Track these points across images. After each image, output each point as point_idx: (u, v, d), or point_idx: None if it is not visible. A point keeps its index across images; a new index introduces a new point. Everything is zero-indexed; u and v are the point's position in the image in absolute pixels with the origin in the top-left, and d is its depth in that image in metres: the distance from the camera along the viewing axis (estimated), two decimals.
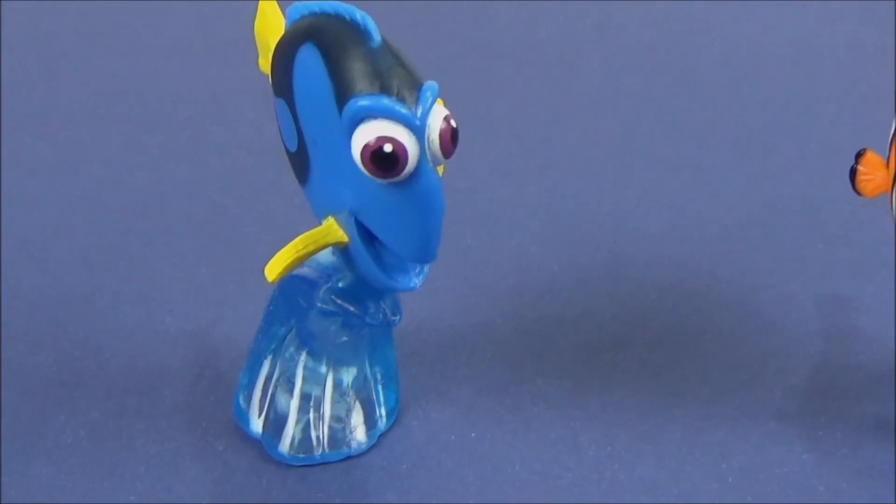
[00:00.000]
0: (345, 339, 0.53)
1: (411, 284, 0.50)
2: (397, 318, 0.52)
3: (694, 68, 0.82)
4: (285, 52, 0.50)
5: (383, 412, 0.55)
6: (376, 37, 0.47)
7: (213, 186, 0.70)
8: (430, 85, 0.48)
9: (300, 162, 0.51)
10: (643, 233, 0.66)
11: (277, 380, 0.54)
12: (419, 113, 0.47)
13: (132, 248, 0.65)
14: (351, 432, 0.54)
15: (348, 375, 0.54)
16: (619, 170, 0.72)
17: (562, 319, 0.60)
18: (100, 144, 0.74)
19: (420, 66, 0.78)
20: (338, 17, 0.48)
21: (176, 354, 0.59)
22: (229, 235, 0.67)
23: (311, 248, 0.50)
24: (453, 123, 0.48)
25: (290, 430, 0.53)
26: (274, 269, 0.49)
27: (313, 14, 0.49)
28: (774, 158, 0.73)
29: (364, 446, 0.54)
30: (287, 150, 0.52)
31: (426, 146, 0.47)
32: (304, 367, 0.53)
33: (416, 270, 0.51)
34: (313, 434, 0.53)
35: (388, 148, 0.46)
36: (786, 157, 0.73)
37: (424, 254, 0.49)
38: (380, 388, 0.54)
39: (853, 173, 0.52)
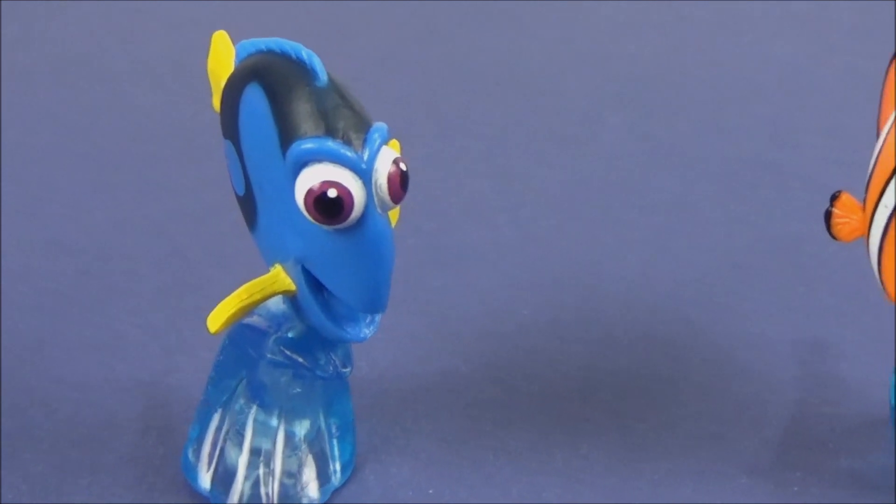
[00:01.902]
0: (298, 390, 0.51)
1: (361, 335, 0.48)
2: (348, 369, 0.50)
3: (679, 103, 0.80)
4: (232, 92, 0.48)
5: (338, 466, 0.52)
6: (322, 76, 0.45)
7: (175, 228, 0.68)
8: (379, 126, 0.45)
9: (248, 206, 0.49)
10: (618, 275, 0.64)
11: (227, 433, 0.51)
12: (366, 156, 0.45)
13: (88, 291, 0.63)
14: (303, 488, 0.51)
15: (301, 428, 0.51)
16: (598, 208, 0.70)
17: (528, 367, 0.58)
18: (58, 183, 0.72)
19: (394, 100, 0.76)
20: (284, 56, 0.46)
21: (126, 404, 0.56)
22: (190, 279, 0.64)
23: (257, 297, 0.48)
24: (403, 167, 0.46)
25: (239, 485, 0.51)
26: (217, 320, 0.47)
27: (260, 52, 0.47)
28: (758, 197, 0.71)
29: (317, 502, 0.51)
30: (236, 194, 0.50)
31: (374, 191, 0.45)
32: (255, 420, 0.51)
33: (367, 320, 0.48)
34: (263, 490, 0.51)
35: (332, 193, 0.44)
36: (770, 195, 0.71)
37: (374, 303, 0.47)
38: (335, 441, 0.52)
39: (828, 216, 0.50)
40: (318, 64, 0.45)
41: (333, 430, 0.52)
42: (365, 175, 0.45)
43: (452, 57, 0.85)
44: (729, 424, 0.55)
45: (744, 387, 0.57)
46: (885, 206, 0.48)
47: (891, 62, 0.53)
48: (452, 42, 0.87)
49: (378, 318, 0.49)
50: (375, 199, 0.45)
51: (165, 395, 0.57)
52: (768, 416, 0.55)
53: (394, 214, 0.51)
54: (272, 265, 0.49)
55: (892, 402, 0.51)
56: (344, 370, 0.50)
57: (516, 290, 0.63)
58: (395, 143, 0.50)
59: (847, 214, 0.49)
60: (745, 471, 0.52)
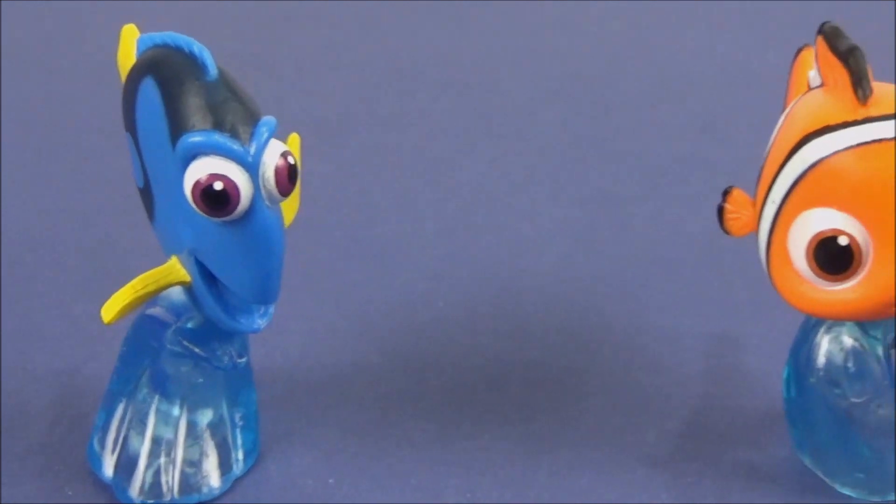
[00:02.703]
0: (200, 380, 0.52)
1: (255, 326, 0.49)
2: (244, 360, 0.51)
3: (613, 99, 0.80)
4: (129, 86, 0.49)
5: (240, 455, 0.53)
6: (212, 70, 0.46)
7: (101, 219, 0.68)
8: (267, 120, 0.46)
9: (146, 199, 0.50)
10: (536, 269, 0.65)
11: (130, 422, 0.52)
12: (253, 149, 0.45)
13: (11, 281, 0.64)
14: (204, 477, 0.52)
15: (204, 418, 0.52)
16: (523, 203, 0.70)
17: (440, 359, 0.59)
18: None
19: (328, 94, 0.77)
20: (177, 50, 0.47)
21: (40, 394, 0.57)
22: (115, 269, 0.65)
23: (151, 288, 0.48)
24: (291, 160, 0.46)
25: (141, 474, 0.52)
26: (110, 310, 0.48)
27: (156, 46, 0.48)
28: (684, 192, 0.71)
29: (217, 491, 0.52)
30: (137, 187, 0.51)
31: (261, 184, 0.46)
32: (157, 409, 0.51)
33: (261, 311, 0.49)
34: (164, 479, 0.51)
35: (218, 186, 0.45)
36: (696, 190, 0.71)
37: (264, 294, 0.47)
38: (238, 430, 0.53)
39: (720, 212, 0.50)
40: (208, 58, 0.46)
41: (237, 420, 0.53)
42: (251, 168, 0.45)
43: (386, 52, 0.85)
44: (632, 417, 0.55)
45: (650, 379, 0.57)
46: (773, 202, 0.48)
47: (795, 57, 0.53)
48: (386, 37, 0.87)
49: (272, 308, 0.49)
50: (263, 191, 0.46)
51: (81, 384, 0.57)
52: (671, 408, 0.56)
53: (291, 207, 0.52)
54: (169, 256, 0.49)
55: (785, 394, 0.52)
56: (240, 361, 0.51)
57: (434, 282, 0.64)
58: (294, 137, 0.51)
59: (738, 210, 0.50)
60: (644, 463, 0.53)
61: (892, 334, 0.51)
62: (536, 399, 0.56)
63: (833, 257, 0.47)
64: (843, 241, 0.46)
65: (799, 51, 0.53)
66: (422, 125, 0.77)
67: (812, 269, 0.47)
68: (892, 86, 0.49)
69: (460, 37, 0.87)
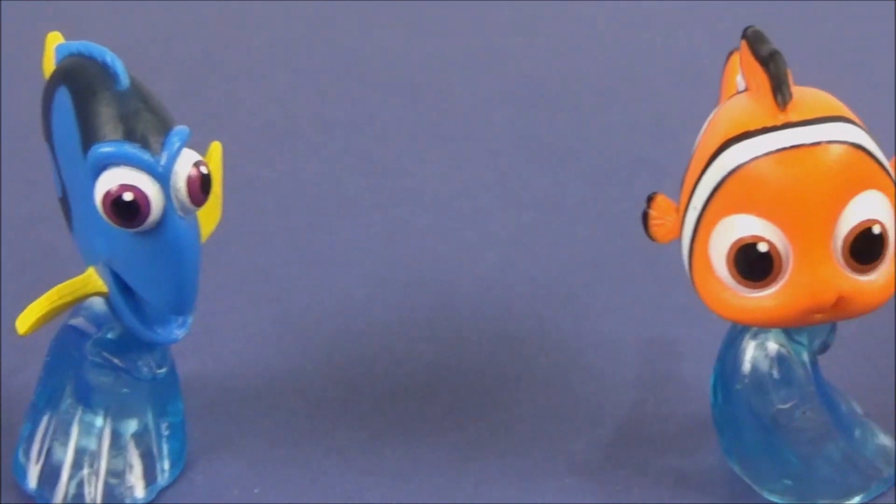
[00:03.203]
0: (125, 390, 0.51)
1: (172, 336, 0.49)
2: (163, 370, 0.50)
3: (565, 101, 0.80)
4: (45, 95, 0.48)
5: (166, 465, 0.53)
6: (124, 80, 0.46)
7: (37, 225, 0.68)
8: (179, 130, 0.46)
9: (65, 209, 0.49)
10: (477, 273, 0.64)
11: (54, 433, 0.52)
12: (163, 160, 0.45)
13: None
14: (128, 488, 0.52)
15: (128, 428, 0.52)
16: (470, 207, 0.70)
17: (374, 366, 0.58)
18: None
19: (278, 97, 0.76)
20: (90, 60, 0.47)
21: None
22: (54, 277, 0.64)
23: (67, 299, 0.48)
24: (204, 170, 0.46)
25: (64, 485, 0.51)
26: (25, 321, 0.48)
27: (71, 55, 0.48)
28: (630, 195, 0.70)
29: (141, 501, 0.52)
30: (57, 196, 0.50)
31: (172, 194, 0.45)
32: (80, 420, 0.51)
33: (179, 321, 0.49)
34: (87, 490, 0.51)
35: (128, 196, 0.45)
36: (642, 193, 0.70)
37: (179, 305, 0.47)
38: (163, 440, 0.52)
39: (645, 218, 0.50)
40: (120, 68, 0.46)
41: (163, 429, 0.52)
42: (162, 178, 0.45)
43: (337, 54, 0.85)
44: (564, 424, 0.55)
45: (585, 386, 0.57)
46: (694, 209, 0.48)
47: (727, 60, 0.53)
48: (334, 40, 0.87)
49: (190, 318, 0.49)
50: (175, 202, 0.45)
51: (8, 395, 0.57)
52: (603, 415, 0.55)
53: (212, 217, 0.51)
54: (88, 266, 0.49)
55: (712, 400, 0.51)
56: (159, 371, 0.50)
57: (374, 288, 0.63)
58: (216, 146, 0.51)
59: (662, 216, 0.50)
60: (572, 470, 0.53)
61: (818, 340, 0.51)
62: (469, 406, 0.56)
63: (753, 264, 0.46)
64: (762, 247, 0.46)
65: (730, 54, 0.52)
66: (370, 129, 0.77)
67: (733, 276, 0.47)
68: (815, 90, 0.48)
69: (409, 39, 0.87)
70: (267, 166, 0.72)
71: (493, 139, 0.76)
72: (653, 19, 0.89)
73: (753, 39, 0.47)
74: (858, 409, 0.54)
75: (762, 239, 0.46)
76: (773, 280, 0.46)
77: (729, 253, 0.46)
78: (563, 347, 0.59)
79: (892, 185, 0.47)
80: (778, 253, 0.46)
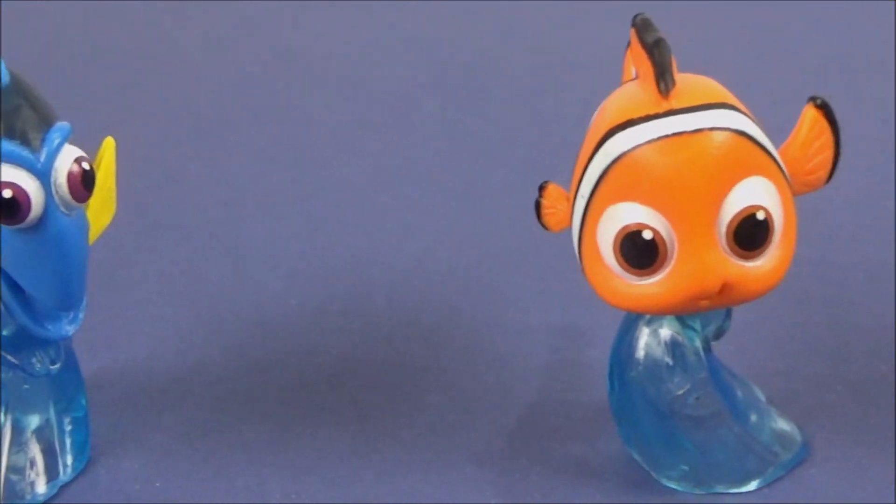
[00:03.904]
0: (26, 386, 0.51)
1: (63, 332, 0.49)
2: (57, 366, 0.51)
3: (495, 90, 0.80)
4: None
5: (69, 461, 0.53)
6: (4, 77, 0.46)
7: None
8: (60, 126, 0.46)
9: None
10: (394, 264, 0.64)
11: None
12: (43, 156, 0.45)
13: None
14: (30, 483, 0.52)
15: (30, 423, 0.52)
16: (389, 197, 0.70)
17: (284, 358, 0.59)
18: None
19: (209, 90, 0.76)
20: None
21: None
22: None
23: None
24: (85, 166, 0.46)
25: None
26: None
27: None
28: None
29: (42, 497, 0.52)
30: None
31: (53, 191, 0.45)
32: None
33: (69, 317, 0.49)
34: None
35: (7, 193, 0.45)
36: (565, 184, 0.71)
37: (65, 301, 0.47)
38: (66, 435, 0.53)
39: (537, 206, 0.50)
40: (0, 65, 0.46)
41: (65, 425, 0.53)
42: (42, 175, 0.45)
43: (260, 45, 0.85)
44: (469, 413, 0.55)
45: (493, 375, 0.57)
46: (582, 197, 0.48)
47: (626, 48, 0.53)
48: (260, 30, 0.87)
49: (81, 314, 0.49)
50: (56, 198, 0.45)
51: None
52: (509, 404, 0.56)
53: (105, 211, 0.51)
54: None
55: (609, 388, 0.51)
56: (52, 367, 0.50)
57: (289, 280, 0.64)
58: (109, 141, 0.51)
59: (554, 205, 0.50)
60: (473, 460, 0.53)
61: (712, 326, 0.51)
62: (375, 397, 0.56)
63: (638, 251, 0.46)
64: (647, 235, 0.46)
65: (629, 43, 0.52)
66: (300, 121, 0.77)
67: (620, 264, 0.47)
68: (701, 78, 0.48)
69: (334, 29, 0.87)
70: (195, 159, 0.72)
71: (419, 129, 0.76)
72: (580, 9, 0.89)
73: (641, 27, 0.47)
74: (761, 395, 0.54)
75: (646, 227, 0.46)
76: (659, 267, 0.46)
77: (615, 241, 0.47)
78: (473, 336, 0.59)
79: (778, 171, 0.47)
80: (663, 240, 0.46)
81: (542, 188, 0.50)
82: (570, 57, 0.83)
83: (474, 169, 0.71)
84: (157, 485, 0.52)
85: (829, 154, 0.49)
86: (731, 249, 0.46)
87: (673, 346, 0.50)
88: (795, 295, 0.61)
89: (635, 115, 0.46)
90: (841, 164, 0.67)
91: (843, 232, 0.66)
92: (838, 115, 0.47)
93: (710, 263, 0.46)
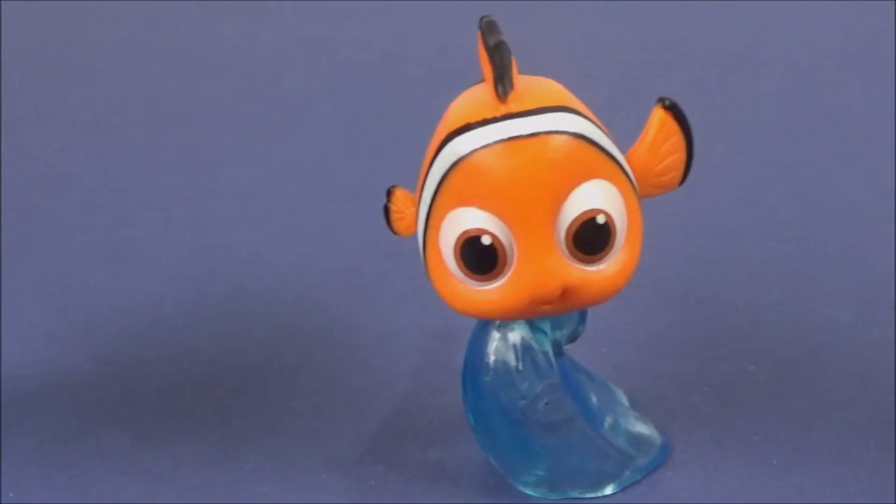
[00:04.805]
0: None
1: None
2: None
3: (395, 89, 0.79)
4: None
5: None
6: None
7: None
8: None
9: None
10: (274, 267, 0.64)
11: None
12: None
13: None
14: None
15: None
16: (277, 198, 0.70)
17: (153, 364, 0.58)
18: None
19: (104, 90, 0.75)
20: None
21: None
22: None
23: None
24: None
25: None
26: None
27: None
28: None
29: None
30: None
31: None
32: None
33: None
34: None
35: None
36: None
37: None
38: None
39: (386, 211, 0.50)
40: None
41: None
42: None
43: (157, 46, 0.84)
44: (333, 418, 0.55)
45: (360, 379, 0.57)
46: (425, 202, 0.47)
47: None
48: (158, 31, 0.86)
49: None
50: None
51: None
52: (373, 408, 0.55)
53: None
54: None
55: (462, 392, 0.51)
56: None
57: (168, 284, 0.63)
58: None
59: (402, 209, 0.49)
60: (330, 466, 0.52)
61: (565, 330, 0.50)
62: (241, 403, 0.56)
63: (478, 257, 0.46)
64: (486, 240, 0.46)
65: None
66: (198, 122, 0.77)
67: (461, 269, 0.46)
68: (544, 80, 0.48)
69: (231, 27, 0.86)
70: (86, 161, 0.72)
71: (310, 131, 0.75)
72: (477, 11, 0.88)
73: (486, 30, 0.47)
74: (623, 398, 0.53)
75: (485, 232, 0.46)
76: (500, 273, 0.46)
77: (456, 246, 0.46)
78: (345, 340, 0.59)
79: (621, 174, 0.47)
80: (502, 245, 0.46)
81: (389, 192, 0.49)
82: (469, 59, 0.82)
83: (363, 171, 0.71)
84: (11, 495, 0.52)
85: (680, 155, 0.48)
86: (572, 254, 0.46)
87: (523, 351, 0.49)
88: (673, 294, 0.61)
89: (473, 119, 0.46)
90: (722, 161, 0.67)
91: (724, 229, 0.65)
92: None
93: (550, 268, 0.46)
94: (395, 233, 0.50)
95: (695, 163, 0.48)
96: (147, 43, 0.85)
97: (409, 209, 0.49)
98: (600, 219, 0.46)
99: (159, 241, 0.66)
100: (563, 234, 0.46)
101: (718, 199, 0.67)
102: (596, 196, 0.46)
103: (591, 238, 0.46)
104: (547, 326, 0.50)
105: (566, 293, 0.46)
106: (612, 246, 0.46)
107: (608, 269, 0.47)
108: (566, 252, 0.46)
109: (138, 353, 0.59)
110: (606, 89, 0.76)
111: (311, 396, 0.56)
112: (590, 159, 0.46)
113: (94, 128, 0.76)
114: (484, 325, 0.50)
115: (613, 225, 0.46)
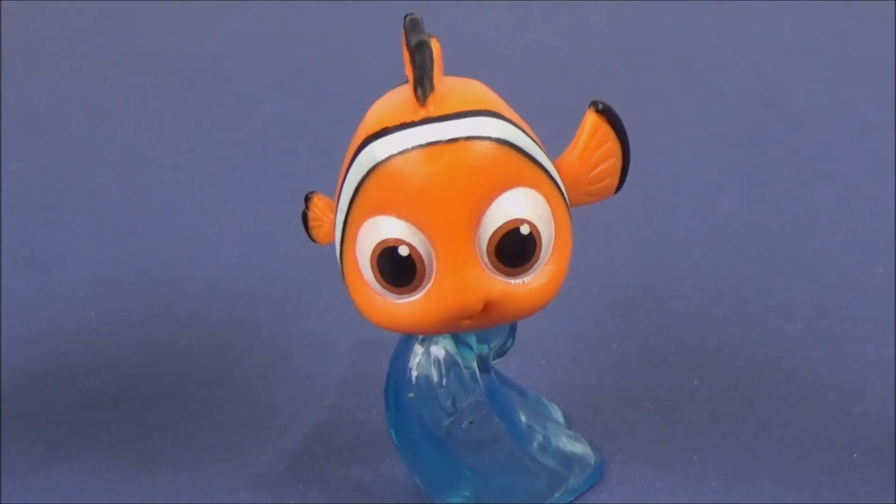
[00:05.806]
0: None
1: None
2: None
3: (342, 87, 0.77)
4: None
5: None
6: None
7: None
8: None
9: None
10: (204, 273, 0.62)
11: None
12: None
13: None
14: None
15: None
16: (215, 200, 0.67)
17: (72, 375, 0.56)
18: None
19: (49, 88, 0.73)
20: None
21: None
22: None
23: None
24: None
25: None
26: None
27: None
28: None
29: None
30: None
31: None
32: None
33: None
34: None
35: None
36: None
37: None
38: None
39: (304, 219, 0.47)
40: None
41: None
42: None
43: (100, 42, 0.82)
44: (254, 432, 0.53)
45: (285, 391, 0.55)
46: (341, 210, 0.45)
47: None
48: (101, 26, 0.84)
49: None
50: None
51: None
52: (297, 422, 0.53)
53: None
54: None
55: (385, 407, 0.48)
56: None
57: (94, 289, 0.61)
58: None
59: (320, 217, 0.47)
60: (247, 484, 0.50)
61: (493, 343, 0.48)
62: (160, 416, 0.54)
63: (395, 268, 0.44)
64: (403, 251, 0.43)
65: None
66: (135, 121, 0.74)
67: (378, 281, 0.44)
68: (469, 82, 0.46)
69: (174, 28, 0.84)
70: (21, 159, 0.70)
71: (255, 132, 0.73)
72: (436, 9, 0.86)
73: (409, 28, 0.44)
74: (557, 414, 0.51)
75: (403, 242, 0.43)
76: (419, 285, 0.44)
77: (372, 257, 0.44)
78: (273, 350, 0.57)
79: (548, 182, 0.44)
80: (420, 256, 0.43)
81: (307, 199, 0.47)
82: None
83: (302, 174, 0.68)
84: None
85: (615, 161, 0.46)
86: (494, 266, 0.44)
87: (446, 366, 0.47)
88: (618, 304, 0.59)
89: (391, 123, 0.44)
90: (674, 167, 0.64)
91: (676, 236, 0.63)
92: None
93: (471, 281, 0.43)
94: (313, 241, 0.47)
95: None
96: (86, 38, 0.83)
97: (328, 216, 0.47)
98: (524, 229, 0.43)
99: (90, 243, 0.64)
100: (484, 244, 0.43)
101: (670, 205, 0.65)
102: (520, 205, 0.43)
103: (514, 249, 0.44)
104: (473, 341, 0.47)
105: (488, 307, 0.44)
106: (538, 258, 0.44)
107: (533, 282, 0.44)
108: (488, 264, 0.44)
109: (58, 361, 0.57)
110: (558, 91, 0.73)
111: (232, 410, 0.54)
112: (514, 166, 0.44)
113: (26, 126, 0.74)
114: (407, 339, 0.48)
115: (539, 235, 0.44)
